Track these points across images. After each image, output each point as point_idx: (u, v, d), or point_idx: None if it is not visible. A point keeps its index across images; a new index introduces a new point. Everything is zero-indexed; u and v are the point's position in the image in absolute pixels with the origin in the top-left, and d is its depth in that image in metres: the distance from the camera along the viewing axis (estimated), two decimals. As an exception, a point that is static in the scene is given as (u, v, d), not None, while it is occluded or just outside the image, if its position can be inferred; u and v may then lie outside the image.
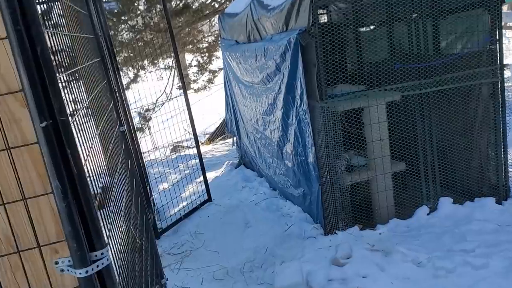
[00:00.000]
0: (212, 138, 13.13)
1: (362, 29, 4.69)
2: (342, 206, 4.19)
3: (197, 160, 6.67)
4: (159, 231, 4.88)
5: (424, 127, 4.39)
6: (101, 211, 1.75)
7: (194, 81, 17.45)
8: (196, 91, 16.26)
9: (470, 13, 4.20)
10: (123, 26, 11.15)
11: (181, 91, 17.55)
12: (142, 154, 5.89)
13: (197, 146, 5.58)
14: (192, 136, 13.07)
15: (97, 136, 2.22)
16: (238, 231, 4.71)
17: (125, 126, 3.55)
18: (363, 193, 4.36)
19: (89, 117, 2.35)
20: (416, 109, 4.38)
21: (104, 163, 2.35)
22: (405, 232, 4.09)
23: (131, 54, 11.93)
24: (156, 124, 5.69)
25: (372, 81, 4.28)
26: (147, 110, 11.91)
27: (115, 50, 5.54)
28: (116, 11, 8.99)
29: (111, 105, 3.34)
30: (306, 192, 4.66)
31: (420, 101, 4.35)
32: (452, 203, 4.37)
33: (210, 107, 19.21)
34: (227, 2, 10.77)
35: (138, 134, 11.57)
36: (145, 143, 8.29)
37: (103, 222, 1.65)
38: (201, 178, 5.76)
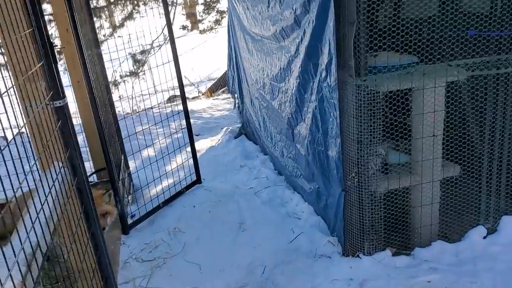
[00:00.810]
0: (215, 88, 11.86)
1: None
2: (371, 222, 3.07)
3: (192, 120, 5.56)
4: (129, 223, 3.82)
5: (494, 119, 3.16)
6: None
7: (200, 21, 16.05)
8: (201, 32, 14.83)
9: None
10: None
11: (184, 31, 15.95)
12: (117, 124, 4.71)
13: (187, 118, 4.39)
14: (192, 84, 11.56)
15: None
16: (230, 235, 3.62)
17: (66, 98, 2.35)
18: (399, 205, 3.21)
19: None
20: (487, 95, 3.13)
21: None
22: (454, 265, 2.98)
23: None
24: (155, 66, 4.53)
25: (431, 52, 3.01)
26: (143, 52, 10.62)
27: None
28: None
29: (34, 69, 2.14)
30: (322, 191, 3.53)
31: (494, 84, 3.09)
32: (518, 224, 3.24)
33: (217, 49, 17.72)
34: None
35: (131, 79, 10.34)
36: (141, 86, 7.14)
37: None
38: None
